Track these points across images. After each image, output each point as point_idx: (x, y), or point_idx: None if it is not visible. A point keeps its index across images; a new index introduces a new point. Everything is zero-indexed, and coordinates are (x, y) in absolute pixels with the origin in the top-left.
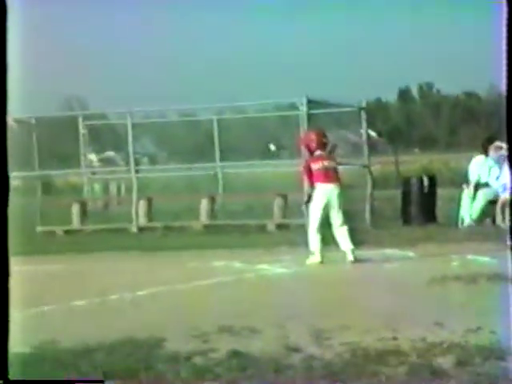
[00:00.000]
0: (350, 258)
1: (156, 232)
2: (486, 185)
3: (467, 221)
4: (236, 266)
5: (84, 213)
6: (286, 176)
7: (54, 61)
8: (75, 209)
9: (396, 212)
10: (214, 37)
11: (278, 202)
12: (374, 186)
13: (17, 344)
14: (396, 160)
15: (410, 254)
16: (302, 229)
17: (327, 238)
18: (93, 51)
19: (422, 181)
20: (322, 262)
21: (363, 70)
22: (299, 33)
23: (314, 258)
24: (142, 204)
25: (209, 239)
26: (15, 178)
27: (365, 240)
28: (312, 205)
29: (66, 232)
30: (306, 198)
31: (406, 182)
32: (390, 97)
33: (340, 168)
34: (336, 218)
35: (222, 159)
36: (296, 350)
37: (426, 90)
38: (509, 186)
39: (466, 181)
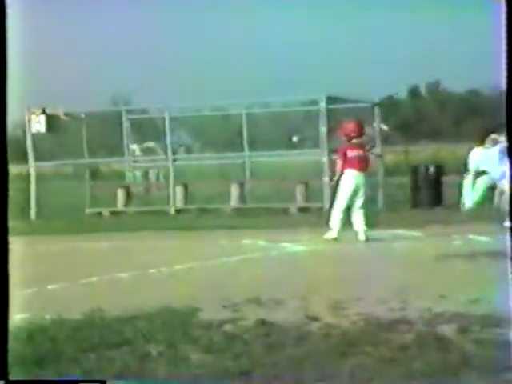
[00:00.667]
0: (362, 237)
1: (191, 214)
2: (484, 172)
3: (468, 204)
4: (261, 244)
5: (128, 196)
6: (307, 165)
7: (94, 62)
8: (120, 193)
9: (405, 197)
10: (240, 37)
11: (299, 188)
12: (386, 173)
13: (67, 311)
14: (406, 150)
15: (418, 234)
16: (321, 212)
17: (345, 220)
18: (131, 52)
19: (428, 169)
20: (336, 239)
21: (376, 69)
22: (316, 35)
23: (332, 233)
24: (179, 189)
25: (238, 220)
26: (67, 165)
27: (377, 222)
28: (342, 188)
29: (112, 213)
30: (335, 180)
31: (414, 170)
32: (401, 94)
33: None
34: (357, 201)
35: (250, 149)
36: (315, 319)
37: (433, 87)
38: (507, 174)
39: (467, 168)
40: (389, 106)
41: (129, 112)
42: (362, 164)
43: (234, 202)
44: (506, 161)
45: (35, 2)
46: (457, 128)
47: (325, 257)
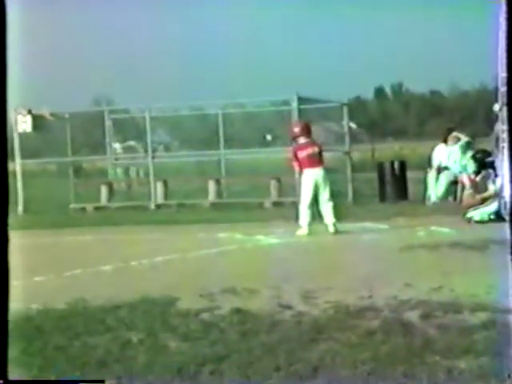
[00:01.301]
0: (331, 229)
1: (171, 209)
2: (446, 168)
3: (433, 198)
4: (237, 237)
5: (110, 192)
6: (280, 162)
7: (78, 63)
8: (103, 189)
9: (373, 191)
10: (215, 41)
11: (273, 184)
12: (354, 169)
13: (52, 301)
14: (372, 148)
15: (385, 226)
16: (294, 206)
17: (314, 214)
18: (113, 53)
19: (393, 165)
20: (309, 235)
21: (344, 71)
22: (289, 37)
23: (303, 230)
24: (159, 185)
25: (215, 215)
26: (51, 163)
27: (347, 215)
28: (302, 187)
29: (95, 208)
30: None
31: (380, 166)
32: (368, 94)
33: (325, 154)
34: (322, 195)
35: (226, 147)
36: (288, 307)
37: (397, 88)
38: (469, 169)
39: (430, 165)
40: (357, 106)
41: (111, 112)
42: (315, 161)
43: (211, 197)
44: (467, 157)
45: (17, 7)
46: (419, 127)
47: (297, 249)
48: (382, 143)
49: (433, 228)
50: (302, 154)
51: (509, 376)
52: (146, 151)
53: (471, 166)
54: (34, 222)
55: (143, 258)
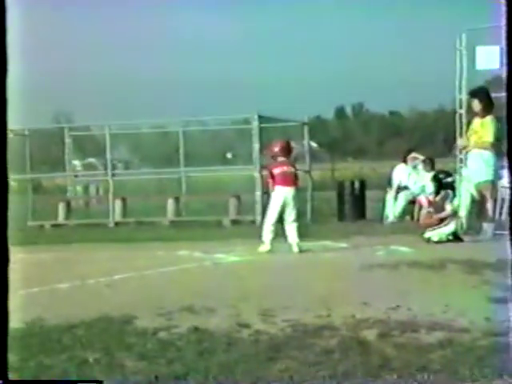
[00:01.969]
0: (296, 249)
1: (129, 226)
2: (406, 188)
3: (391, 217)
4: (196, 255)
5: (68, 210)
6: (240, 180)
7: (38, 78)
8: (61, 206)
9: (332, 210)
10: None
11: (232, 202)
12: (314, 188)
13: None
14: (332, 167)
15: (344, 245)
16: (252, 224)
17: (278, 232)
18: (74, 69)
19: (353, 184)
20: (270, 251)
21: (305, 90)
22: (252, 55)
23: (265, 246)
24: (118, 203)
25: (174, 233)
26: (11, 180)
27: (306, 233)
28: (271, 203)
29: (53, 226)
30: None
31: (340, 185)
32: (328, 114)
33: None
34: (289, 215)
35: (186, 165)
36: (245, 326)
37: (358, 109)
38: (428, 189)
39: (390, 184)
40: (317, 126)
41: (71, 129)
42: (289, 180)
43: (170, 215)
44: (426, 178)
45: None
46: (379, 147)
47: (256, 267)
48: (343, 162)
49: (392, 247)
50: (276, 171)
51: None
52: (105, 168)
53: (431, 187)
54: None
55: (101, 276)
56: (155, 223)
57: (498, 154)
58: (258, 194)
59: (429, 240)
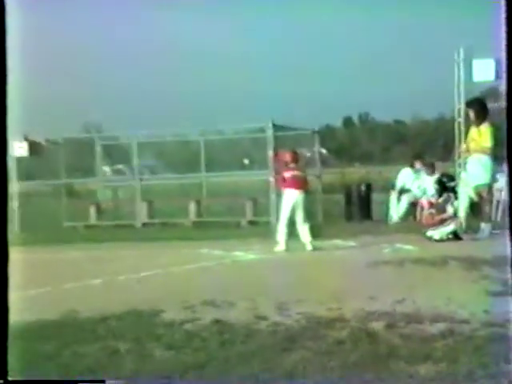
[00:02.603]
0: (309, 247)
1: (155, 227)
2: (408, 190)
3: (395, 218)
4: (216, 253)
5: (99, 212)
6: (256, 184)
7: (70, 91)
8: (92, 209)
9: (341, 211)
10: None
11: (249, 204)
12: (324, 191)
13: (45, 313)
14: (341, 171)
15: (352, 243)
16: (268, 225)
17: (291, 232)
18: (103, 82)
19: (360, 187)
20: (286, 250)
21: (315, 101)
22: (266, 67)
23: (280, 246)
24: (144, 205)
25: (196, 233)
26: (47, 185)
27: (317, 233)
28: (283, 205)
29: (85, 226)
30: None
31: (348, 189)
32: (337, 123)
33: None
34: (300, 216)
35: (207, 170)
36: (263, 318)
37: (364, 117)
38: (429, 191)
39: (393, 187)
40: (327, 134)
41: (101, 138)
42: (299, 184)
43: (192, 216)
44: (426, 181)
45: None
46: (384, 153)
47: (272, 264)
48: (350, 167)
49: (397, 245)
50: (288, 175)
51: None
52: (133, 174)
53: (432, 189)
54: (29, 239)
55: (130, 272)
56: (178, 224)
57: (494, 159)
58: (273, 196)
59: (430, 238)
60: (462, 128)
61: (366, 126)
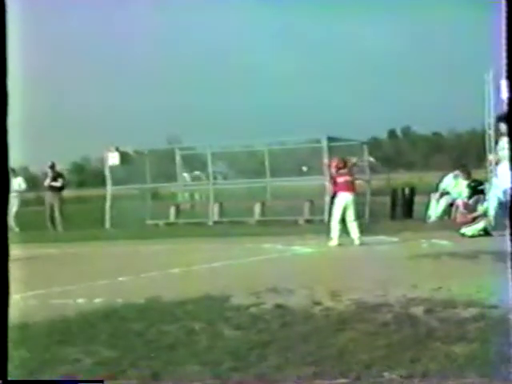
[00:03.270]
0: (357, 242)
1: (225, 225)
2: (448, 193)
3: (433, 217)
4: (278, 247)
5: (178, 211)
6: (313, 187)
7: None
8: (172, 209)
9: (386, 211)
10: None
11: (306, 205)
12: (372, 193)
13: (133, 297)
14: (387, 177)
15: (395, 239)
16: (322, 223)
17: (343, 229)
18: (180, 102)
19: (404, 191)
20: (338, 245)
21: (363, 116)
22: (320, 87)
23: (334, 241)
24: (216, 206)
25: (260, 229)
26: (135, 189)
27: (365, 230)
28: (335, 205)
29: (166, 224)
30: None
31: (393, 192)
32: (382, 135)
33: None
34: (350, 215)
35: (270, 176)
36: (318, 303)
37: (406, 130)
38: (464, 194)
39: (436, 189)
40: (374, 145)
41: (181, 149)
42: (349, 187)
43: (257, 215)
44: (462, 185)
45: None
46: (425, 161)
47: (326, 257)
48: (395, 173)
49: (434, 241)
50: (340, 180)
51: None
52: (208, 179)
53: (466, 192)
54: (118, 235)
55: (203, 263)
56: (245, 222)
57: None
58: (327, 198)
59: (464, 235)
60: (492, 139)
61: (408, 138)
